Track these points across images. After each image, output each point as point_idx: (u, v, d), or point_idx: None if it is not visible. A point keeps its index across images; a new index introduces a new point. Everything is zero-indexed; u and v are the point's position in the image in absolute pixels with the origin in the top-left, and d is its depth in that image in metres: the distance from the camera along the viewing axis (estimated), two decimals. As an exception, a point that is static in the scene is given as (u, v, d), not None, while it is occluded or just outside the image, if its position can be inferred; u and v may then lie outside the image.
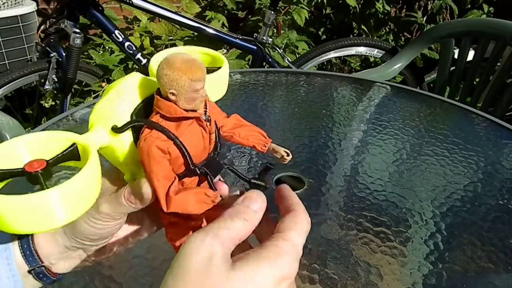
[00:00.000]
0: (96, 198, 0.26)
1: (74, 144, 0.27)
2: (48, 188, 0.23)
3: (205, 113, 0.30)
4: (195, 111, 0.28)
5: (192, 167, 0.29)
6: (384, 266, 0.50)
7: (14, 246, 0.31)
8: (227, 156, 0.71)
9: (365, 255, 0.52)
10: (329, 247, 0.53)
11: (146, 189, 0.28)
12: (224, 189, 0.32)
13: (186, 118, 0.28)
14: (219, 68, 0.34)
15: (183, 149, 0.28)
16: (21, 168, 0.25)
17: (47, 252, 0.32)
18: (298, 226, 0.27)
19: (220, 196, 0.30)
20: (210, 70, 0.33)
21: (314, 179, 0.66)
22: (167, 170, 0.28)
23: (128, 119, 0.29)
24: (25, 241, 0.32)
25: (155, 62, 0.31)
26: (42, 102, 1.85)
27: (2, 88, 1.43)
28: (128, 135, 0.29)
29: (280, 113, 0.90)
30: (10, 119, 1.04)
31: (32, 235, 0.32)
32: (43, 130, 0.76)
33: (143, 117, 0.29)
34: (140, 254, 0.50)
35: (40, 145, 0.26)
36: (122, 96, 0.29)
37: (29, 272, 0.31)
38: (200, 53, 0.36)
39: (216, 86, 0.34)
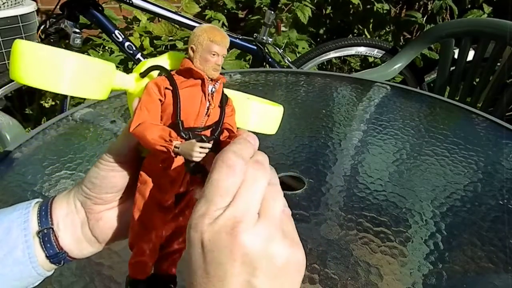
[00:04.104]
0: (98, 95, 0.30)
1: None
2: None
3: (214, 86, 0.31)
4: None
5: (179, 120, 0.30)
6: (384, 266, 0.50)
7: (34, 210, 0.32)
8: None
9: (365, 255, 0.52)
10: (329, 247, 0.53)
11: (135, 103, 0.30)
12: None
13: (192, 75, 0.30)
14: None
15: (177, 98, 0.29)
16: None
17: (59, 210, 0.33)
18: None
19: (177, 146, 0.28)
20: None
21: (314, 179, 0.66)
22: (154, 105, 0.30)
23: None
24: (46, 201, 0.33)
25: None
26: (42, 102, 1.84)
27: (2, 88, 1.43)
28: None
29: (280, 113, 0.90)
30: (10, 119, 1.04)
31: (54, 197, 0.34)
32: (42, 130, 0.76)
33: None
34: (140, 254, 0.50)
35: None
36: (164, 60, 0.32)
37: (37, 235, 0.32)
38: (260, 102, 0.39)
39: (267, 119, 0.37)
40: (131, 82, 0.32)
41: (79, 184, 0.34)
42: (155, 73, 0.32)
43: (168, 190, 0.32)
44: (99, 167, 0.32)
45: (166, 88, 0.30)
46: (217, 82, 0.31)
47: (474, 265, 0.51)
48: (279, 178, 0.30)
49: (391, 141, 0.79)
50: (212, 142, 0.30)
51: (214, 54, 0.29)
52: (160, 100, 0.30)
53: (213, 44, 0.29)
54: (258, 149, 0.31)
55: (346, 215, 0.59)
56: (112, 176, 0.32)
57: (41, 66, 0.27)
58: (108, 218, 0.34)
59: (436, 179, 0.68)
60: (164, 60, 0.32)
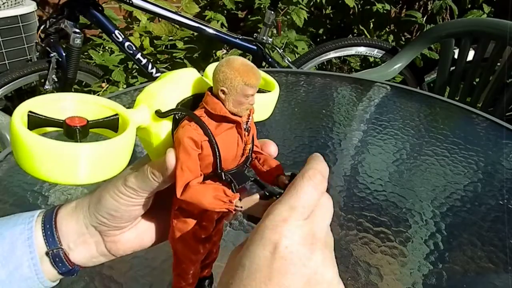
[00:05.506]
0: (120, 170, 0.27)
1: (116, 114, 0.27)
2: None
3: (247, 123, 0.29)
4: (240, 116, 0.28)
5: (219, 171, 0.29)
6: (384, 266, 0.50)
7: (37, 226, 0.31)
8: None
9: (365, 255, 0.52)
10: (329, 247, 0.53)
11: (170, 158, 0.28)
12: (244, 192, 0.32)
13: (227, 120, 0.28)
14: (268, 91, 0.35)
15: (216, 148, 0.28)
16: (62, 120, 0.25)
17: (67, 230, 0.32)
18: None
19: (240, 200, 0.29)
20: (261, 91, 0.34)
21: (314, 179, 0.66)
22: (193, 163, 0.28)
23: (173, 107, 0.29)
24: (49, 216, 0.32)
25: (211, 67, 0.32)
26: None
27: (2, 88, 1.43)
28: (167, 123, 0.29)
29: (280, 113, 0.90)
30: (10, 119, 1.04)
31: (56, 210, 0.32)
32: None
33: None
34: (140, 254, 0.50)
35: (85, 106, 0.27)
36: (174, 85, 0.30)
37: (47, 255, 0.31)
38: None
39: (263, 107, 0.34)
40: (148, 121, 0.29)
41: (90, 209, 0.32)
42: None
43: (210, 227, 0.32)
44: (119, 201, 0.30)
45: (203, 140, 0.28)
46: (248, 117, 0.30)
47: (474, 265, 0.51)
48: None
49: (391, 141, 0.79)
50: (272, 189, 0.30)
51: (248, 97, 0.28)
52: (199, 154, 0.28)
53: (248, 87, 0.27)
54: None
55: (346, 215, 0.59)
56: (135, 210, 0.31)
57: (53, 161, 0.24)
58: (126, 239, 0.34)
59: (436, 179, 0.67)
60: (184, 78, 0.30)
